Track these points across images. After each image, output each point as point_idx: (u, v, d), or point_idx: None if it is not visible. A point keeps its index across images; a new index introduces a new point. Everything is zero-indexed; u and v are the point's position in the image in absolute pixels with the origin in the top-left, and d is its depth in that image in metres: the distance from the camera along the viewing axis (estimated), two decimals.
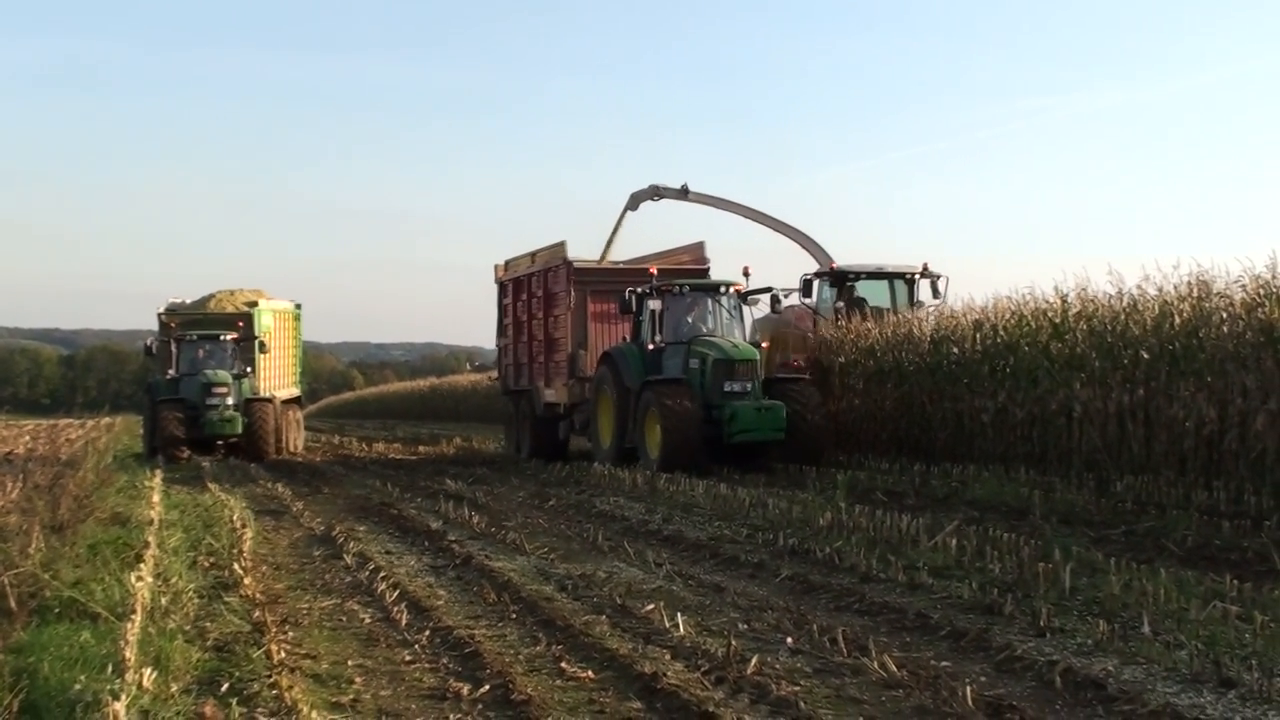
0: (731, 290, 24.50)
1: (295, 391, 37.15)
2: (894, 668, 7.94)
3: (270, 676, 7.71)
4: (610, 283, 27.14)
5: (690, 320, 24.31)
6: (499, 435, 41.51)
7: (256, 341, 32.85)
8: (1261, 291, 17.30)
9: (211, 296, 35.93)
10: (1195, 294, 18.48)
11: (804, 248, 30.50)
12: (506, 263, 31.63)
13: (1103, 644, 8.62)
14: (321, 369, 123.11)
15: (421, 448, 35.39)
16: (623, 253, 31.95)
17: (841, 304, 27.19)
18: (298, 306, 37.78)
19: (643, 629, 9.35)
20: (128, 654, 7.71)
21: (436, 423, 60.31)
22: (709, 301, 24.57)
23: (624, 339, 25.55)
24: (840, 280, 27.75)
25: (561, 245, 27.65)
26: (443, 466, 27.31)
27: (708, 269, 27.46)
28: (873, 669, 7.99)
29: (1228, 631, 8.77)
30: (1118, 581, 10.45)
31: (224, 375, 31.17)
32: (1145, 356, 18.55)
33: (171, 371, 31.77)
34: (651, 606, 10.00)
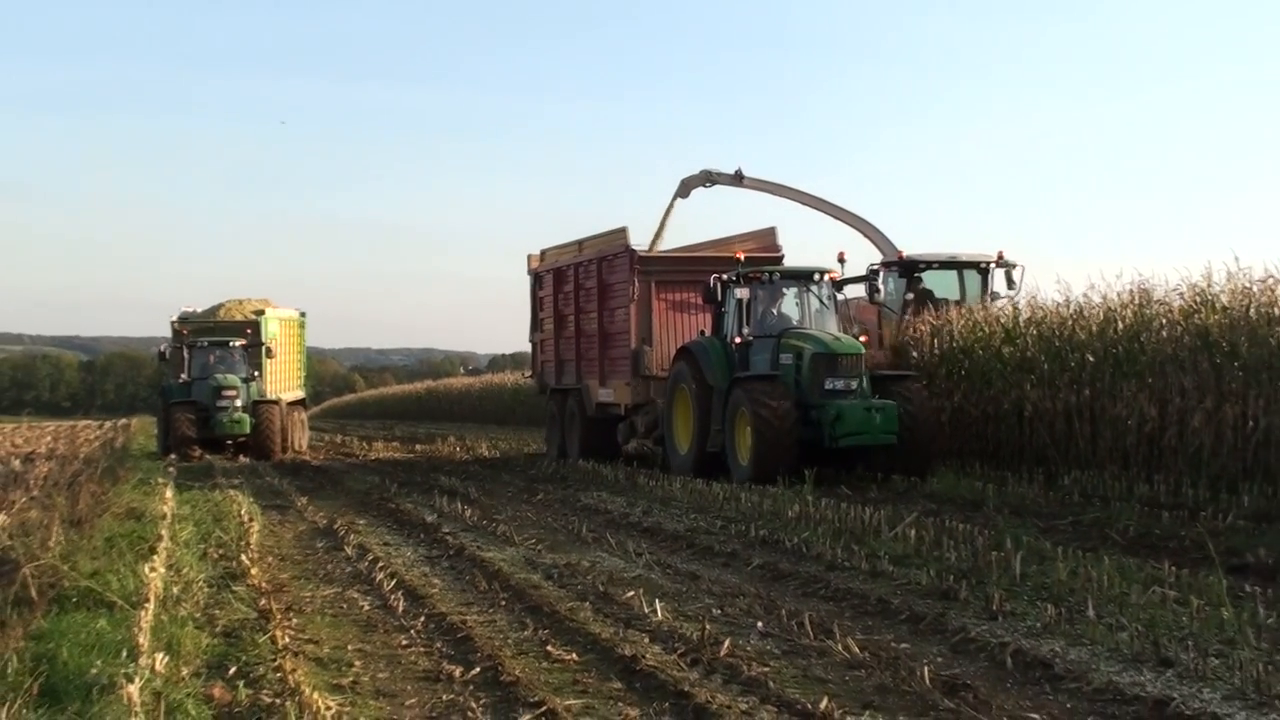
0: (826, 278, 20.71)
1: (300, 394, 37.05)
2: (857, 649, 7.96)
3: (275, 660, 7.69)
4: (678, 271, 23.85)
5: (778, 311, 20.71)
6: (490, 435, 41.56)
7: (264, 347, 32.77)
8: (1198, 299, 17.42)
9: (221, 305, 35.87)
10: (1137, 301, 18.60)
11: (867, 236, 27.22)
12: (543, 252, 28.20)
13: (1051, 627, 8.64)
14: (325, 373, 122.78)
15: (418, 446, 35.29)
16: (672, 242, 28.09)
17: (911, 296, 23.50)
18: (302, 314, 37.69)
19: (623, 614, 9.36)
20: (141, 640, 7.70)
21: (432, 423, 60.20)
22: (801, 291, 20.76)
23: (702, 332, 21.97)
24: (910, 270, 23.91)
25: (622, 231, 23.90)
26: (438, 464, 27.24)
27: (781, 259, 23.40)
28: (837, 651, 8.00)
29: (1166, 615, 8.80)
30: (1065, 568, 10.47)
31: (233, 379, 31.16)
32: (1091, 359, 18.63)
33: (184, 376, 31.74)
34: (631, 593, 10.01)
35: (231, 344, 32.26)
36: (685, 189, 29.50)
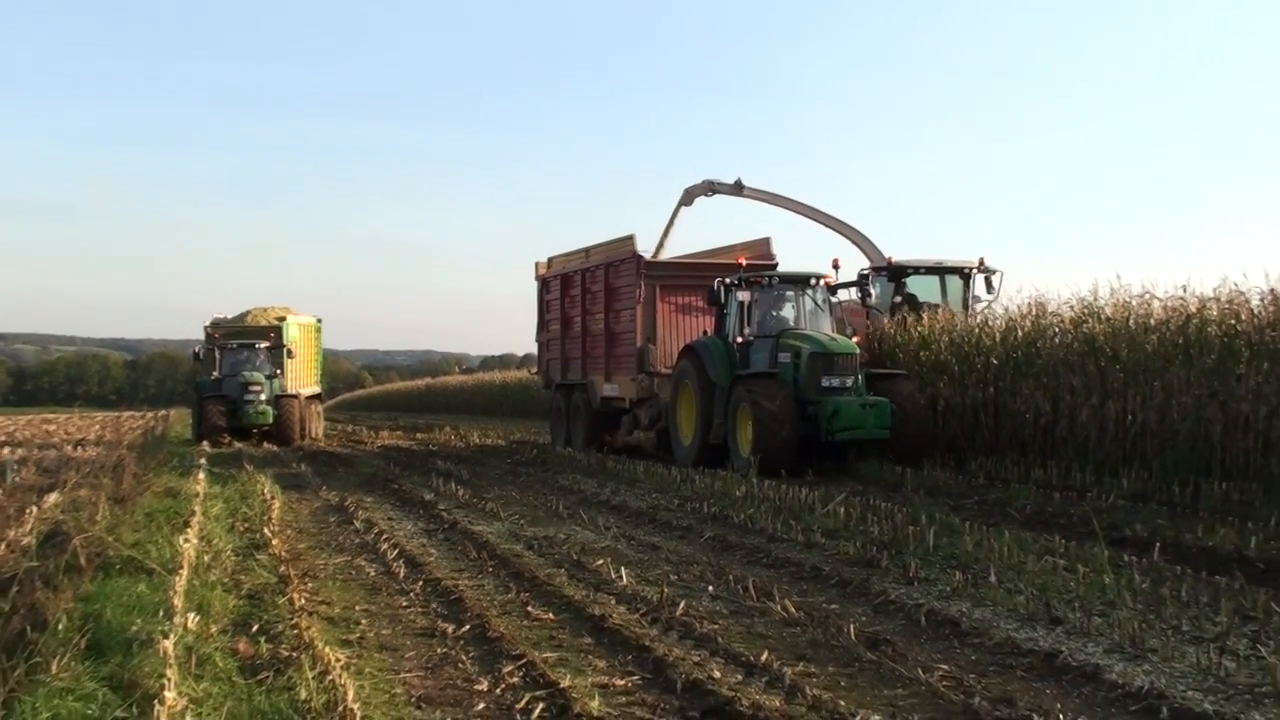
0: (821, 283, 19.59)
1: (316, 389, 36.83)
2: (793, 610, 7.97)
3: (292, 619, 7.65)
4: (680, 276, 22.81)
5: (776, 313, 19.52)
6: (481, 425, 41.46)
7: (285, 349, 32.66)
8: (1086, 311, 17.55)
9: (248, 312, 35.65)
10: (1034, 313, 18.71)
11: (856, 244, 25.39)
12: (550, 260, 26.92)
13: (958, 590, 8.68)
14: (338, 371, 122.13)
15: (419, 435, 35.15)
16: (672, 250, 26.77)
17: (899, 299, 22.07)
18: (318, 320, 37.45)
19: (593, 580, 9.35)
20: (176, 601, 7.65)
21: (431, 414, 59.97)
22: (798, 294, 19.57)
23: (705, 332, 20.86)
24: (897, 275, 22.45)
25: (629, 239, 22.61)
26: (435, 450, 27.15)
27: (775, 265, 21.73)
28: (776, 611, 8.02)
29: (1057, 580, 8.86)
30: (971, 541, 10.52)
31: (258, 376, 31.03)
32: (994, 362, 18.71)
33: (216, 373, 31.60)
34: (601, 562, 10.00)
35: (257, 346, 32.16)
36: (689, 197, 27.97)
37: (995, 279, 21.74)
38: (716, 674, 6.41)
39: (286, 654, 6.73)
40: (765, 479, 15.82)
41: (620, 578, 9.22)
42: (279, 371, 32.07)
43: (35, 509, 12.66)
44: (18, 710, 5.45)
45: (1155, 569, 9.24)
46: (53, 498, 14.14)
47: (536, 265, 27.25)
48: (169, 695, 5.44)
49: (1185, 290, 16.11)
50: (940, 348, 19.89)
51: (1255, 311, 14.82)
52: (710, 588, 8.98)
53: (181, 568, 8.98)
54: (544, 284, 26.89)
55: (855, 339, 19.13)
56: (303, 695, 5.80)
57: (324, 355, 39.68)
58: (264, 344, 32.25)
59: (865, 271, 22.45)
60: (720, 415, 18.65)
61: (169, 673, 5.81)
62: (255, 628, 7.46)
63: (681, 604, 8.14)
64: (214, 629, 7.27)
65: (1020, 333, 18.49)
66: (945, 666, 6.59)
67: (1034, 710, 5.69)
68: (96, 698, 5.70)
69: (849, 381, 17.81)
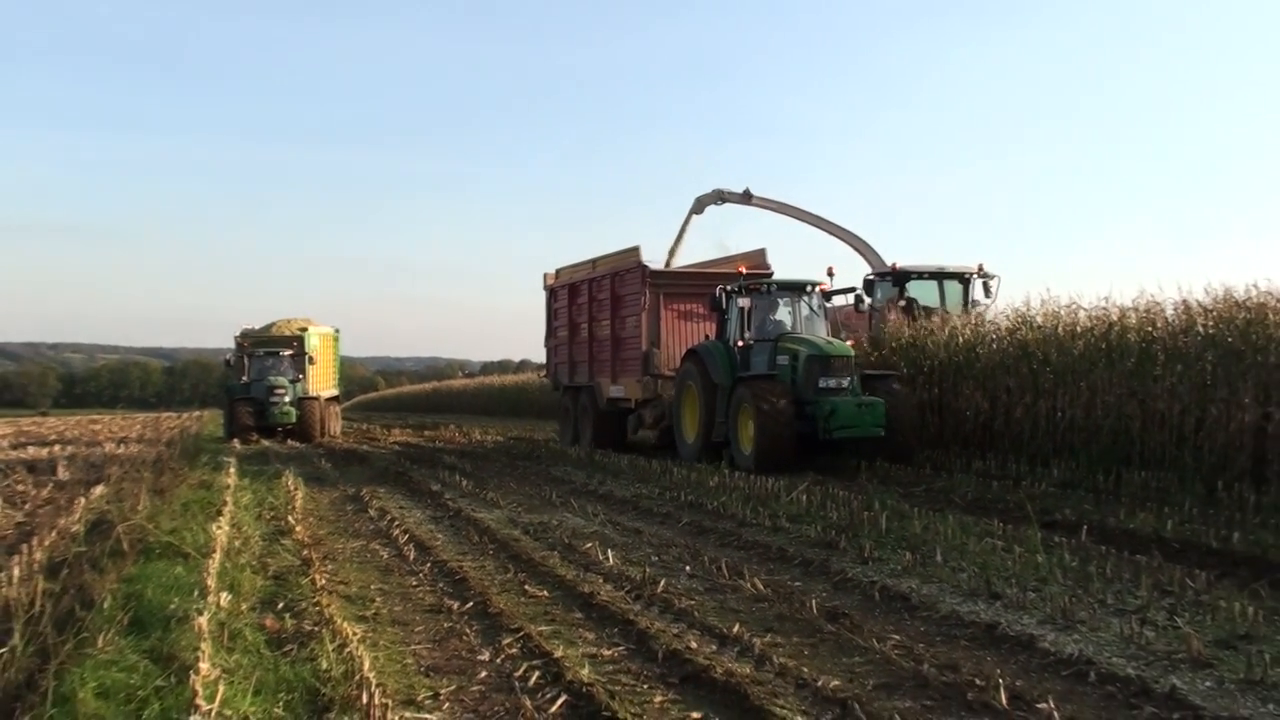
0: (817, 289, 18.79)
1: (335, 392, 36.68)
2: (761, 587, 7.98)
3: (314, 597, 7.63)
4: (682, 285, 22.01)
5: (774, 318, 18.71)
6: (483, 424, 41.37)
7: (307, 356, 32.61)
8: (1019, 319, 17.61)
9: (274, 324, 35.46)
10: (974, 321, 18.76)
11: (858, 250, 24.10)
12: (557, 271, 25.74)
13: (908, 569, 8.70)
14: (354, 375, 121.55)
15: (426, 432, 35.02)
16: (682, 257, 26.10)
17: (903, 303, 20.95)
18: (337, 330, 37.30)
19: (583, 561, 9.33)
20: (209, 582, 7.62)
21: (438, 414, 59.75)
22: (794, 300, 18.75)
23: (707, 336, 20.16)
24: (901, 280, 21.37)
25: (635, 250, 21.67)
26: (441, 446, 27.05)
27: (771, 274, 20.91)
28: (747, 588, 8.02)
29: (995, 559, 8.88)
30: (919, 524, 10.54)
31: (283, 380, 30.98)
32: (939, 364, 18.75)
33: (245, 378, 31.57)
34: (589, 545, 9.98)
35: (282, 353, 32.10)
36: (699, 205, 26.64)
37: (993, 284, 20.83)
38: (693, 645, 6.41)
39: (309, 629, 6.71)
40: (764, 475, 15.25)
41: (607, 559, 9.21)
42: (301, 376, 31.99)
43: (83, 500, 12.61)
44: (68, 680, 5.41)
45: (1083, 549, 9.27)
46: (99, 490, 14.07)
47: (545, 276, 26.17)
48: (203, 666, 5.42)
49: (1107, 300, 16.24)
50: (891, 350, 19.86)
51: (1170, 320, 14.91)
52: (687, 568, 8.98)
53: (214, 552, 8.94)
54: (552, 293, 25.92)
55: (849, 342, 18.40)
56: (324, 666, 5.79)
57: (341, 361, 39.52)
58: (288, 352, 32.19)
59: (871, 277, 21.64)
60: (722, 414, 17.96)
61: (203, 646, 5.79)
62: (281, 605, 7.43)
63: (662, 582, 8.13)
64: (244, 607, 7.24)
65: (961, 339, 18.52)
66: (897, 637, 6.61)
67: (976, 675, 5.71)
68: (138, 669, 5.67)
69: (845, 382, 17.02)
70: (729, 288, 18.80)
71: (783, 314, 18.80)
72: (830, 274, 19.18)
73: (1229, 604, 7.17)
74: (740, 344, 18.18)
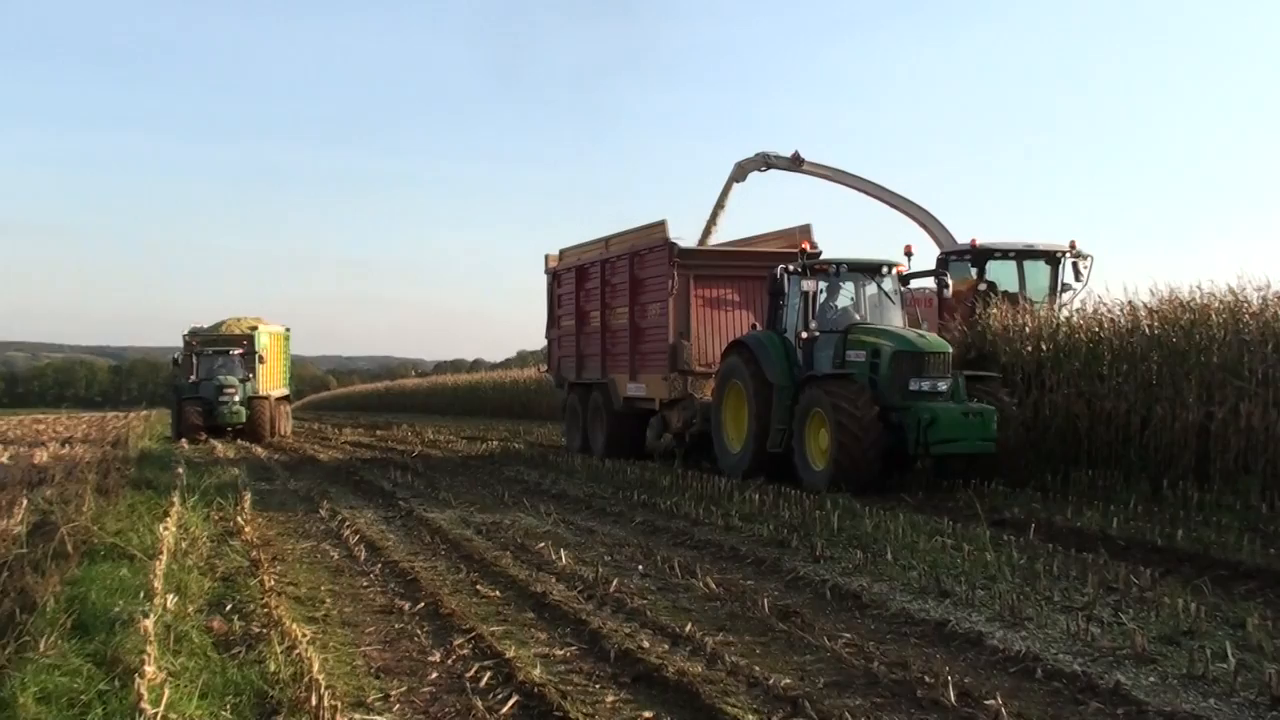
0: (894, 271, 15.30)
1: (285, 391, 36.25)
2: (714, 586, 7.99)
3: (263, 599, 7.54)
4: (715, 266, 18.80)
5: (839, 305, 15.45)
6: (435, 423, 41.13)
7: (256, 355, 32.29)
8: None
9: (223, 322, 35.03)
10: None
11: (924, 227, 20.53)
12: (561, 252, 22.45)
13: (859, 567, 8.75)
14: (304, 374, 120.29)
15: (378, 432, 34.76)
16: (720, 234, 22.71)
17: (983, 287, 17.59)
18: (287, 329, 36.87)
19: (536, 561, 9.30)
20: (156, 584, 7.51)
21: (390, 414, 59.38)
22: (861, 284, 15.42)
23: (754, 326, 16.77)
24: (981, 260, 18.04)
25: (661, 225, 18.46)
26: (393, 445, 26.86)
27: (819, 254, 16.73)
28: (699, 587, 8.03)
29: (945, 558, 8.96)
30: (870, 523, 10.62)
31: (232, 380, 30.65)
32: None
33: (193, 377, 31.20)
34: (542, 544, 9.95)
35: (231, 352, 31.75)
36: (741, 173, 22.94)
37: (1084, 265, 17.66)
38: (646, 644, 6.40)
39: (257, 631, 6.63)
40: (842, 494, 12.79)
41: (560, 559, 9.18)
42: (251, 375, 31.63)
43: (25, 501, 12.37)
44: (8, 685, 5.31)
45: (1031, 547, 9.39)
46: (42, 491, 13.83)
47: (546, 258, 22.85)
48: (149, 669, 5.34)
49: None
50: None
51: (1116, 320, 15.12)
52: (640, 567, 8.98)
53: (161, 553, 8.81)
54: (555, 277, 22.56)
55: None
56: (272, 668, 5.73)
57: (292, 360, 39.07)
58: (237, 350, 31.85)
59: (944, 255, 18.60)
60: (782, 421, 14.68)
61: (149, 649, 5.70)
62: (229, 607, 7.33)
63: (615, 582, 8.12)
64: (191, 609, 7.15)
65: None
66: (848, 635, 6.64)
67: (925, 673, 5.75)
68: (82, 673, 5.58)
69: (943, 385, 13.88)
70: (790, 267, 15.36)
71: (843, 300, 15.61)
72: (908, 253, 15.83)
73: (1172, 600, 7.29)
74: (804, 335, 14.90)
